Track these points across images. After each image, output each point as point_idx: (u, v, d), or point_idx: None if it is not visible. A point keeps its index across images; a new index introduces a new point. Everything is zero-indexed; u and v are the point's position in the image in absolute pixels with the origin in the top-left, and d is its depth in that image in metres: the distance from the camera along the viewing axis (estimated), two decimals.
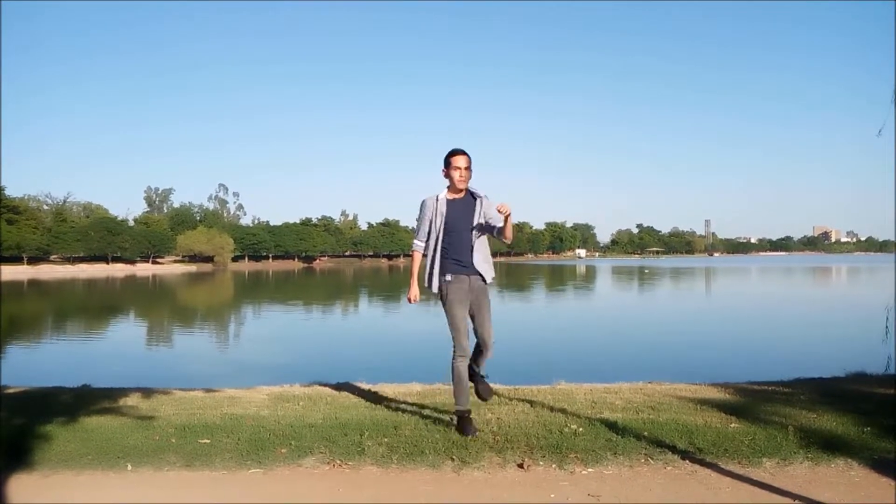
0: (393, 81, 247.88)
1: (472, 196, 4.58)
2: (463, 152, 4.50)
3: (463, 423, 4.46)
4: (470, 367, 4.58)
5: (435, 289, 4.55)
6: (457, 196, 4.56)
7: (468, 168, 4.49)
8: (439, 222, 4.51)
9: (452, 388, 4.57)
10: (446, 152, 4.53)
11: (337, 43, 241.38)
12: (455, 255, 4.51)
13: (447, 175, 4.53)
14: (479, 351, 4.63)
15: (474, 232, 4.54)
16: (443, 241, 4.52)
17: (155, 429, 4.65)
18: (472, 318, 4.56)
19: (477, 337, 4.58)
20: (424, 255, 4.62)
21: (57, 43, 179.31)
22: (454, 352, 4.48)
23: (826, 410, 4.86)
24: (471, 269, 4.52)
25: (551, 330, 20.49)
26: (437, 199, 4.55)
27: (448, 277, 4.49)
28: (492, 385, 5.01)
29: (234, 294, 45.54)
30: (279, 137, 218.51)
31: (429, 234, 4.57)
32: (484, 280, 4.57)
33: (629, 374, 6.78)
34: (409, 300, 4.59)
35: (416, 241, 4.63)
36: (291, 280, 65.79)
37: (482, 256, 4.57)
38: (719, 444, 4.14)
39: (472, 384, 4.64)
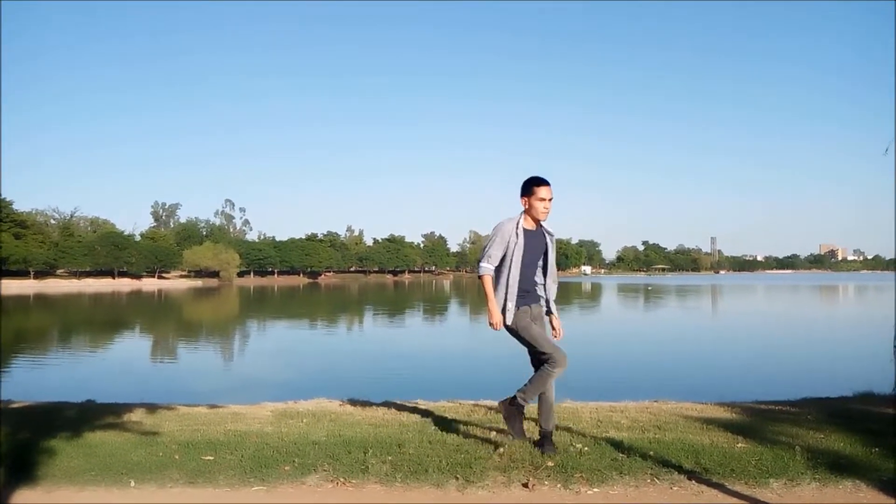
0: (398, 95, 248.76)
1: (543, 231, 4.49)
2: (548, 183, 4.35)
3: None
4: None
5: (509, 321, 4.35)
6: (531, 227, 4.43)
7: (551, 200, 4.37)
8: (518, 254, 4.34)
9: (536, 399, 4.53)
10: (528, 179, 4.36)
11: (343, 57, 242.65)
12: (523, 286, 4.40)
13: (528, 204, 4.36)
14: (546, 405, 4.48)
15: (539, 266, 4.50)
16: (519, 273, 4.35)
17: (158, 445, 4.64)
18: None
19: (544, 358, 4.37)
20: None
21: (62, 55, 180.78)
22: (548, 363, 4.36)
23: (833, 430, 4.83)
24: (533, 298, 4.47)
25: None
26: (517, 227, 4.36)
27: (518, 309, 4.36)
28: (497, 402, 4.98)
29: (240, 309, 45.56)
30: (286, 153, 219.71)
31: (501, 261, 4.38)
32: (542, 304, 4.54)
33: (635, 393, 6.75)
34: (495, 326, 4.33)
35: (485, 265, 4.36)
36: (296, 295, 65.81)
37: (545, 283, 4.53)
38: (726, 465, 4.11)
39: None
